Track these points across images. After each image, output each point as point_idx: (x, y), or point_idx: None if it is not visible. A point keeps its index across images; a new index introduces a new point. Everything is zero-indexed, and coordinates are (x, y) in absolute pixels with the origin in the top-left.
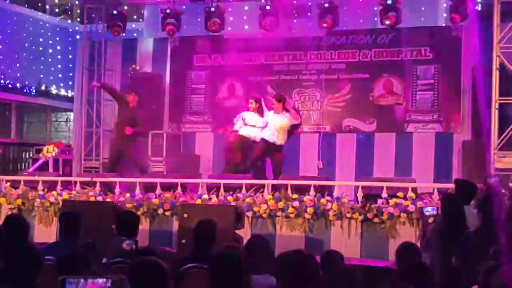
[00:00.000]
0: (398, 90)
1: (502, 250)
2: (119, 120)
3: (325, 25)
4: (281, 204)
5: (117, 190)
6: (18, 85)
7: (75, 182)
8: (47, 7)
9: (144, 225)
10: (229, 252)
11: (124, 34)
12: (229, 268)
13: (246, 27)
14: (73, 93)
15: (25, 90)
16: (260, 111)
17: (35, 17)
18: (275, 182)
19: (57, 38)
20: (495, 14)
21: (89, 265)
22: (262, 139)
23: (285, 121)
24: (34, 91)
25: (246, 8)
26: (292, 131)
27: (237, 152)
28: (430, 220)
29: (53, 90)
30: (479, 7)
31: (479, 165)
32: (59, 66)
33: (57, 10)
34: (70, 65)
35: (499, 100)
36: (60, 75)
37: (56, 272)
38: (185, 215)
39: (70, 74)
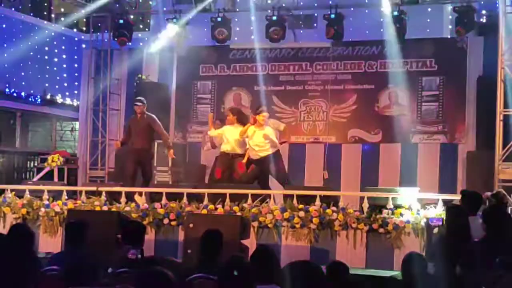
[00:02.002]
0: (404, 101)
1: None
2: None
3: (331, 35)
4: (286, 214)
5: (122, 199)
6: (23, 93)
7: (81, 192)
8: (53, 15)
9: (150, 235)
10: (236, 263)
11: (130, 44)
12: (237, 278)
13: (252, 37)
14: (78, 102)
15: (30, 99)
16: (240, 122)
17: (41, 26)
18: (280, 192)
19: (63, 47)
20: (500, 26)
21: (95, 275)
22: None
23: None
24: (39, 100)
25: (253, 18)
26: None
27: (217, 167)
28: (435, 230)
29: (59, 99)
30: (484, 19)
31: (483, 176)
32: (65, 75)
33: (62, 19)
34: (76, 74)
35: (504, 111)
36: (65, 84)
37: (62, 282)
38: (191, 225)
39: (76, 83)
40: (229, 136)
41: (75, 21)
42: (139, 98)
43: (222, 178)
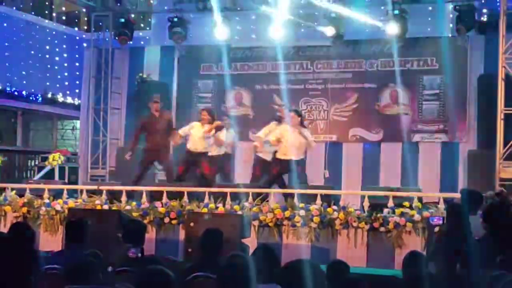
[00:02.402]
0: (405, 100)
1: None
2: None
3: (332, 34)
4: (287, 213)
5: (123, 198)
6: (24, 92)
7: (81, 190)
8: (54, 14)
9: (151, 233)
10: (237, 262)
11: (131, 42)
12: (237, 277)
13: (253, 36)
14: (79, 101)
15: (31, 98)
16: (211, 122)
17: (42, 25)
18: (281, 191)
19: (64, 46)
20: (500, 25)
21: (95, 274)
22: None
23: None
24: (40, 98)
25: (253, 17)
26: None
27: (180, 164)
28: (436, 229)
29: (60, 98)
30: (484, 18)
31: (484, 175)
32: (66, 73)
33: (64, 18)
34: (77, 73)
35: (505, 110)
36: (66, 83)
37: (62, 281)
38: (192, 224)
39: (77, 82)
40: (195, 135)
41: (76, 20)
42: (157, 95)
43: (183, 176)
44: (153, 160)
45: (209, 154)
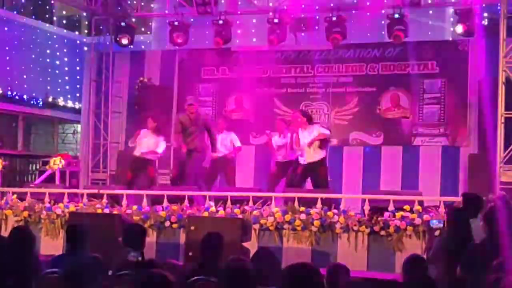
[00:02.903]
0: (405, 104)
1: (505, 262)
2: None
3: (332, 38)
4: (288, 217)
5: (124, 202)
6: (25, 96)
7: (82, 194)
8: (55, 18)
9: (151, 237)
10: (237, 265)
11: (131, 46)
12: (238, 281)
13: (254, 40)
14: (80, 105)
15: (32, 102)
16: (157, 131)
17: (43, 29)
18: (281, 195)
19: (65, 50)
20: (501, 28)
21: (95, 278)
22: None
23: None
24: (41, 102)
25: (254, 21)
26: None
27: (128, 170)
28: (437, 233)
29: (60, 102)
30: (485, 22)
31: (485, 179)
32: (67, 77)
33: (64, 22)
34: (78, 77)
35: (505, 114)
36: (67, 87)
37: (62, 285)
38: (192, 228)
39: (78, 86)
40: (144, 141)
41: (77, 24)
42: (191, 97)
43: (132, 180)
44: (189, 161)
45: (215, 155)
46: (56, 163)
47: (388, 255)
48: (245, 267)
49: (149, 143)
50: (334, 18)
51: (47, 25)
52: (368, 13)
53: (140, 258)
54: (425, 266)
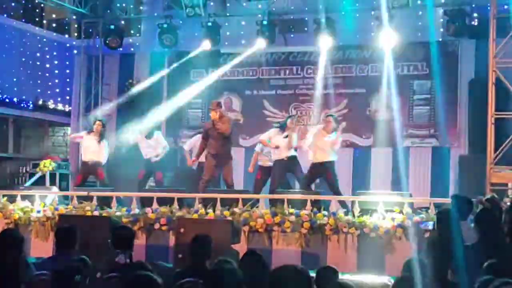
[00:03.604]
0: (395, 105)
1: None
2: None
3: (321, 40)
4: (277, 219)
5: (113, 204)
6: (15, 99)
7: (72, 197)
8: (44, 22)
9: (141, 240)
10: (223, 267)
11: (121, 49)
12: (224, 282)
13: (243, 41)
14: (70, 108)
15: (22, 105)
16: (100, 135)
17: (32, 32)
18: (270, 196)
19: (54, 53)
20: (491, 29)
21: (83, 280)
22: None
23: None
24: (31, 105)
25: (243, 23)
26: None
27: (79, 174)
28: (427, 234)
29: (50, 104)
30: (475, 23)
31: (476, 180)
32: (56, 80)
33: (54, 25)
34: (68, 80)
35: (495, 115)
36: (57, 90)
37: (50, 287)
38: (182, 230)
39: (68, 89)
40: (90, 146)
41: (66, 27)
42: (214, 101)
43: (82, 185)
44: (217, 165)
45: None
46: (46, 165)
47: (378, 257)
48: (230, 269)
49: (94, 148)
50: (323, 20)
51: (37, 28)
52: (357, 15)
53: (128, 260)
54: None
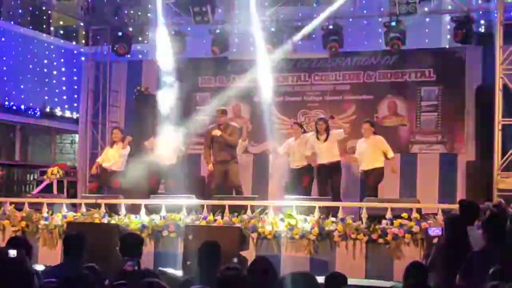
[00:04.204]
0: (402, 111)
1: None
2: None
3: (329, 46)
4: (286, 226)
5: (122, 211)
6: (22, 107)
7: (80, 204)
8: (52, 29)
9: (149, 247)
10: (233, 275)
11: (129, 56)
12: None
13: (251, 48)
14: (77, 115)
15: (29, 112)
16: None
17: (40, 39)
18: (278, 203)
19: (62, 60)
20: (497, 35)
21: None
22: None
23: None
24: (38, 113)
25: (251, 29)
26: None
27: (95, 181)
28: (435, 240)
29: (58, 112)
30: (482, 29)
31: (483, 186)
32: (64, 87)
33: (62, 32)
34: (75, 87)
35: (502, 121)
36: (64, 97)
37: None
38: (190, 237)
39: (75, 96)
40: (109, 155)
41: (74, 34)
42: (220, 108)
43: (97, 192)
44: (223, 171)
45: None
46: (54, 173)
47: (387, 263)
48: (237, 276)
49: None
50: (330, 26)
51: (45, 35)
52: (365, 21)
53: (137, 268)
54: (426, 273)
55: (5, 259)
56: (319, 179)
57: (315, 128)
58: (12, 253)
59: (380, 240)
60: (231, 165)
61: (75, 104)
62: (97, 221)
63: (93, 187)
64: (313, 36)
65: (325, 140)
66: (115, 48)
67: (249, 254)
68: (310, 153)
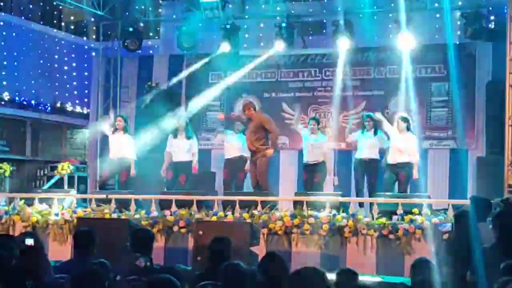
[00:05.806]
0: (413, 107)
1: None
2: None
3: (340, 42)
4: (296, 221)
5: (132, 207)
6: (33, 102)
7: (90, 199)
8: (63, 24)
9: (160, 242)
10: (242, 269)
11: (139, 51)
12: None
13: (262, 44)
14: (88, 110)
15: (40, 107)
16: (124, 130)
17: (51, 34)
18: (289, 198)
19: (73, 55)
20: (508, 31)
21: (101, 283)
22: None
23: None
24: (49, 108)
25: (262, 25)
26: None
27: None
28: (445, 236)
29: (69, 107)
30: (492, 25)
31: (494, 181)
32: (74, 83)
33: (72, 27)
34: (86, 82)
35: None
36: (75, 92)
37: None
38: (201, 232)
39: (86, 91)
40: (115, 144)
41: (84, 29)
42: (246, 101)
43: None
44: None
45: (226, 157)
46: (65, 168)
47: (397, 259)
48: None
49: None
50: (341, 22)
51: (55, 30)
52: (375, 17)
53: (148, 263)
54: (432, 269)
55: (22, 246)
56: (355, 174)
57: (362, 124)
58: (29, 241)
59: (391, 236)
60: (257, 156)
61: (86, 100)
62: (107, 216)
63: (105, 177)
64: (324, 31)
65: (374, 135)
66: (126, 44)
67: (260, 250)
68: (351, 141)
